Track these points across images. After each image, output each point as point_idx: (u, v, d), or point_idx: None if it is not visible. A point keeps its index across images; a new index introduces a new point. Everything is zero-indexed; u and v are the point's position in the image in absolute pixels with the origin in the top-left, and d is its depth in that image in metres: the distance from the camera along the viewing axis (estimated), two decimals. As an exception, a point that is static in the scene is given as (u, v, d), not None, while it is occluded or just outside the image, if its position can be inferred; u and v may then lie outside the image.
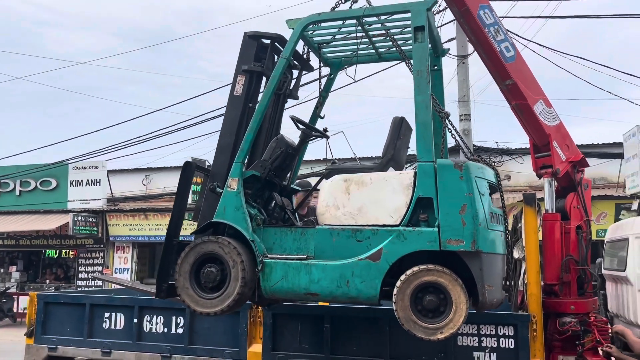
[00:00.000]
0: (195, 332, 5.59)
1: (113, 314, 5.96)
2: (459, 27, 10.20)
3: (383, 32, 4.69)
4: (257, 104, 4.38)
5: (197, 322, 5.59)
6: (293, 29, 4.36)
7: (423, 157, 3.87)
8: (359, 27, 4.50)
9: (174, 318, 5.68)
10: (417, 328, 3.69)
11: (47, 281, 18.29)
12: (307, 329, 5.16)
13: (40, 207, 17.61)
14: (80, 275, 17.65)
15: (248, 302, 4.48)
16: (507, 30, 5.24)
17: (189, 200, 4.82)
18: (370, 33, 4.73)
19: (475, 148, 13.11)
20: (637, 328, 4.95)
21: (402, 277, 3.73)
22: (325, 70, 5.20)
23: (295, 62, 4.78)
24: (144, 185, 18.58)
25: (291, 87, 4.84)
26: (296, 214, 4.87)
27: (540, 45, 14.19)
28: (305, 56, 4.90)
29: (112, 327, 5.95)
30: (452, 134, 4.32)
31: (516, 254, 5.23)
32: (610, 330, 4.79)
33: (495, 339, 4.68)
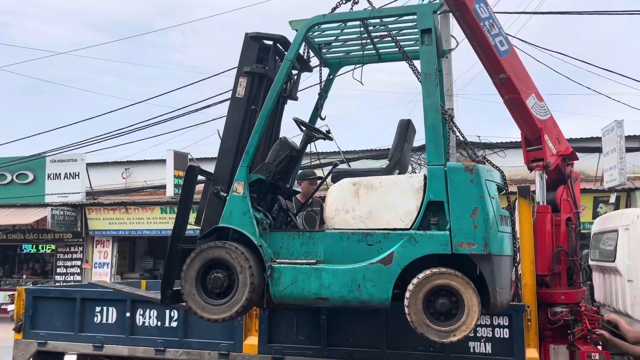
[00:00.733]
0: (190, 325, 5.54)
1: (105, 308, 5.86)
2: (442, 21, 10.28)
3: (386, 33, 4.67)
4: (262, 107, 4.31)
5: (191, 315, 5.52)
6: (297, 30, 4.32)
7: (433, 161, 3.86)
8: (363, 29, 4.48)
9: (167, 311, 5.62)
10: (430, 331, 3.71)
11: (24, 276, 17.99)
12: (303, 321, 5.17)
13: (17, 201, 17.25)
14: (58, 270, 17.38)
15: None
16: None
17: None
18: (373, 34, 4.72)
19: (457, 142, 13.27)
20: (626, 317, 5.09)
21: (415, 281, 3.73)
22: (320, 71, 5.17)
23: (295, 63, 4.77)
24: (124, 178, 18.38)
25: (290, 88, 4.81)
26: (295, 214, 4.85)
27: (522, 40, 14.35)
28: (305, 57, 4.87)
29: (104, 321, 5.85)
30: (457, 136, 4.34)
31: None
32: (600, 320, 4.91)
33: (490, 328, 4.76)
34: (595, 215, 12.30)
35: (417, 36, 4.67)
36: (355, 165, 14.06)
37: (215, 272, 4.09)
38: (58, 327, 6.02)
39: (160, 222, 16.01)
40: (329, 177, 4.75)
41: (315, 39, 4.88)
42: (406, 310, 3.75)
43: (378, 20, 4.51)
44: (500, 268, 3.88)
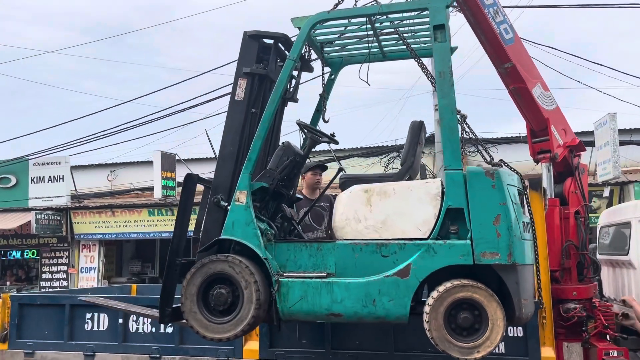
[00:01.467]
0: (186, 330, 5.27)
1: (96, 315, 5.58)
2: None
3: (392, 30, 4.46)
4: (265, 111, 4.05)
5: (187, 320, 5.31)
6: (299, 27, 4.08)
7: (451, 165, 3.63)
8: (369, 26, 4.27)
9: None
10: (453, 348, 3.50)
11: (8, 283, 17.52)
12: (306, 324, 4.94)
13: (-1, 206, 16.83)
14: (43, 276, 16.94)
15: None
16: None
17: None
18: (378, 31, 4.52)
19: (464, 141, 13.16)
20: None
21: (434, 294, 3.51)
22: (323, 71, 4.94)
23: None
24: (109, 180, 18.00)
25: (292, 89, 4.57)
26: (305, 214, 4.66)
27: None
28: (307, 56, 4.63)
29: (95, 328, 5.57)
30: (471, 137, 4.09)
31: None
32: (615, 315, 4.77)
33: (504, 327, 4.58)
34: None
35: (427, 33, 4.48)
36: (346, 163, 13.87)
37: (217, 288, 3.84)
38: (46, 336, 5.74)
39: (148, 225, 15.67)
40: (335, 182, 4.53)
41: (317, 37, 4.65)
42: (426, 326, 3.53)
43: (384, 17, 4.30)
44: (525, 278, 3.69)
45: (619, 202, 12.59)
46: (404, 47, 4.48)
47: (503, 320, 3.47)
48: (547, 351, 4.45)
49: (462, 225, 3.59)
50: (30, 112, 55.71)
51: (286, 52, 4.50)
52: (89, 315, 5.63)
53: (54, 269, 16.88)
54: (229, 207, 3.97)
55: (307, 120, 4.76)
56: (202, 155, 17.28)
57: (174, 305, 4.13)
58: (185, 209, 4.23)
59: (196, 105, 12.30)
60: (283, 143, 4.33)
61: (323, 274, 3.75)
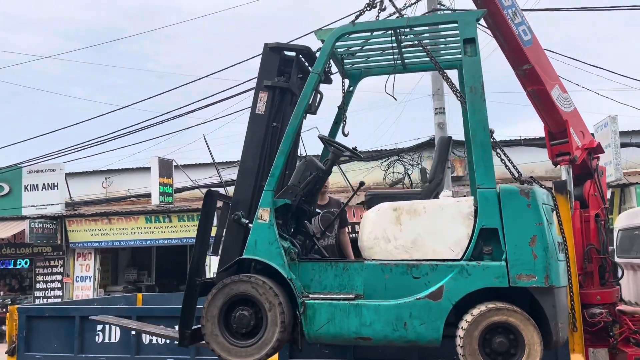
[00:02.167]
0: (203, 342, 5.16)
1: (107, 327, 5.43)
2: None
3: (416, 42, 4.36)
4: (288, 125, 3.94)
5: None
6: (323, 40, 3.97)
7: (484, 184, 3.54)
8: (394, 38, 4.18)
9: (176, 327, 5.24)
10: None
11: (1, 293, 17.21)
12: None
13: (-8, 215, 16.52)
14: (38, 286, 16.65)
15: None
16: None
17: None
18: (403, 44, 4.43)
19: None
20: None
21: (469, 318, 3.40)
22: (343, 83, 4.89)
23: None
24: (104, 187, 17.78)
25: (315, 102, 4.45)
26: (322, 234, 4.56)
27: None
28: (328, 68, 4.53)
29: (107, 340, 5.43)
30: (497, 153, 3.91)
31: None
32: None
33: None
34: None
35: (449, 46, 4.43)
36: (345, 167, 13.78)
37: (240, 310, 3.72)
38: (55, 349, 5.60)
39: (145, 232, 15.46)
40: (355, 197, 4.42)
41: (338, 49, 4.55)
42: (460, 350, 3.42)
43: (407, 29, 4.20)
44: (561, 301, 3.60)
45: (620, 204, 12.60)
46: (425, 59, 4.41)
47: (540, 345, 3.36)
48: (577, 358, 4.35)
49: (496, 245, 3.48)
50: (18, 119, 55.16)
51: (307, 64, 4.40)
52: (99, 327, 5.50)
53: (49, 278, 16.59)
54: (250, 225, 3.86)
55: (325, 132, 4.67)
56: (198, 161, 17.13)
57: (193, 327, 4.01)
58: (205, 227, 4.08)
59: (193, 111, 12.12)
60: (305, 158, 4.21)
61: (350, 296, 3.63)
